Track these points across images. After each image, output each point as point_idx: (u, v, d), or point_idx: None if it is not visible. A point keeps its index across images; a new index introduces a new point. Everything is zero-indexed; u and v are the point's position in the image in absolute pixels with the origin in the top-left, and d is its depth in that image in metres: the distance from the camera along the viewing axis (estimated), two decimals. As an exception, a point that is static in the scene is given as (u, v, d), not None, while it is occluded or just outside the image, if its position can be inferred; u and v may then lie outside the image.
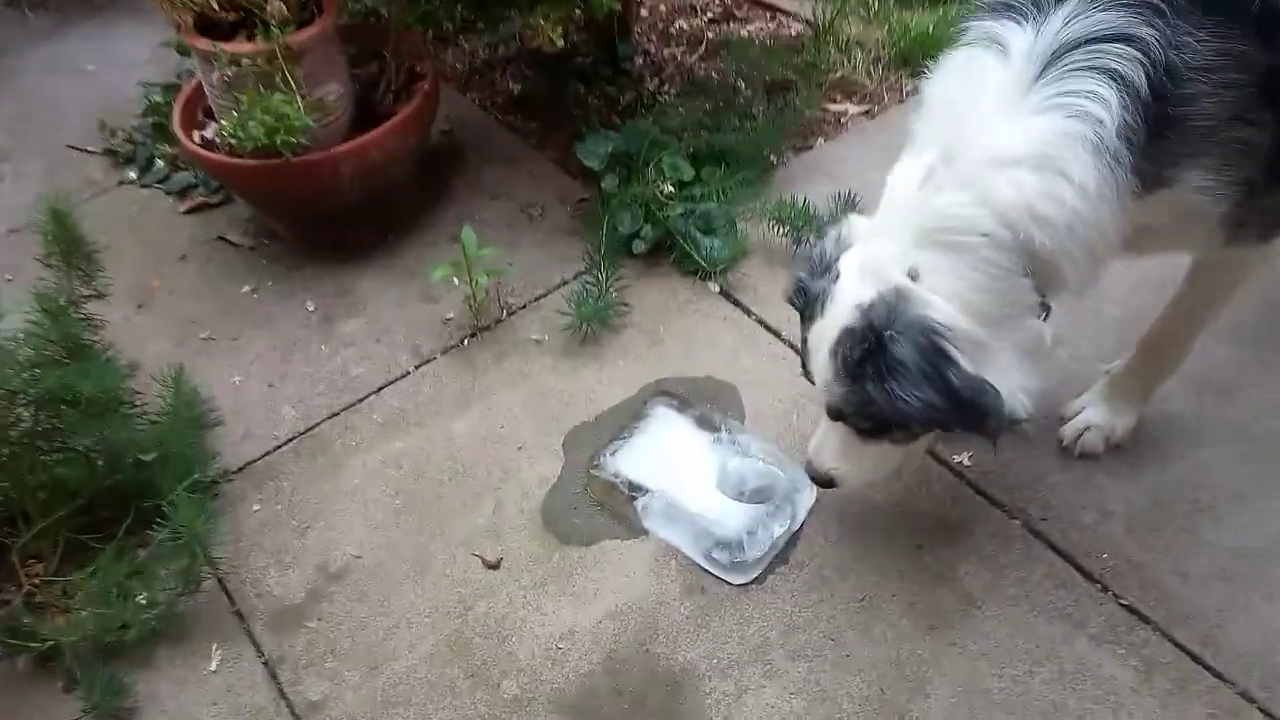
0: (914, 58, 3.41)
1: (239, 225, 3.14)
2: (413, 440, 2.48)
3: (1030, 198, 1.58)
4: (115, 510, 2.26)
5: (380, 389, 2.61)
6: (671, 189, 2.80)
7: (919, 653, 1.99)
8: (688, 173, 2.85)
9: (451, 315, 2.77)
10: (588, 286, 2.70)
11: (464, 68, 3.64)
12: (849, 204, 2.72)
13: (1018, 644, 1.98)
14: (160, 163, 3.36)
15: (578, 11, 2.66)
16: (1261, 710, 1.85)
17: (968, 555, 2.13)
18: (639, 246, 2.79)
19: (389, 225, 3.02)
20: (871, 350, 1.66)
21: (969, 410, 1.67)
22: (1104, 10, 1.57)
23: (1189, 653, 1.94)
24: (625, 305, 2.70)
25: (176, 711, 2.06)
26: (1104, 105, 1.54)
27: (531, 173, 3.20)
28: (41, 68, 3.95)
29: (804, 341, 1.86)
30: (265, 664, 2.10)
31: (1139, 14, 1.55)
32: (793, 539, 2.18)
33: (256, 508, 2.38)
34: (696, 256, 2.73)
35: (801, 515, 2.19)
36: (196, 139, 2.87)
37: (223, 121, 2.66)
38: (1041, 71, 1.58)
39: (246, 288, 2.94)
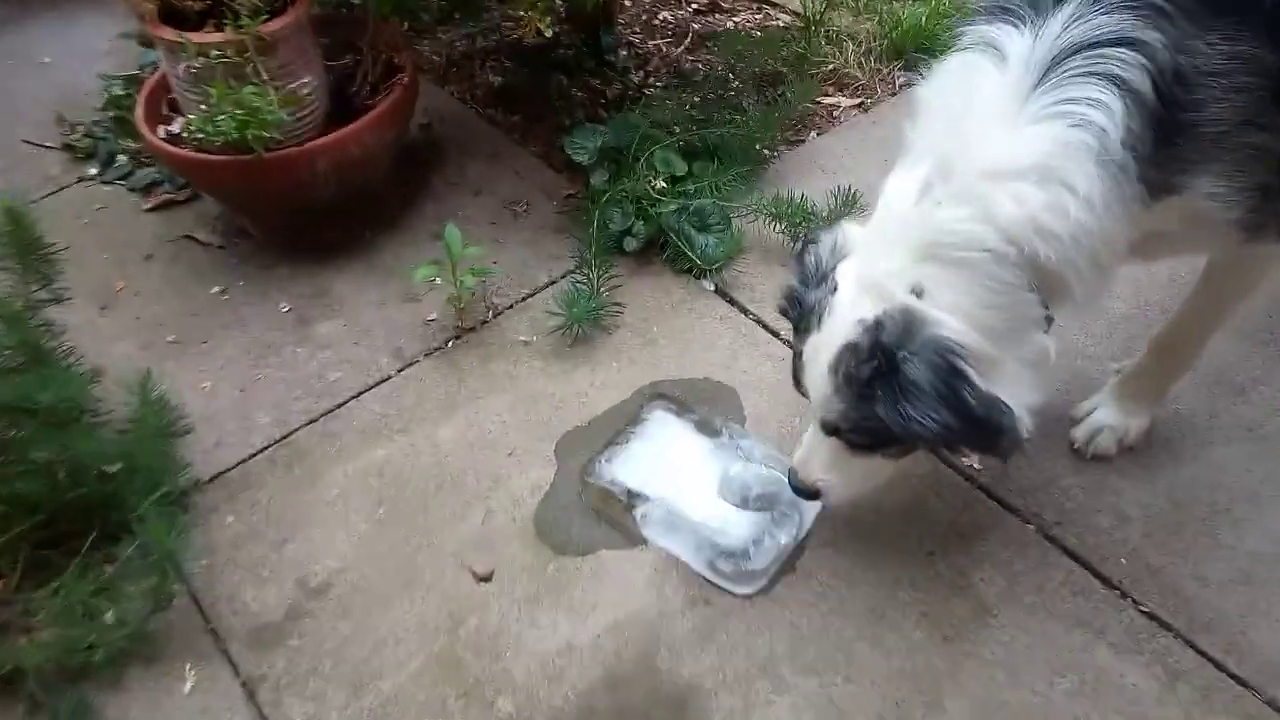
0: (906, 50, 3.37)
1: (207, 223, 3.01)
2: (396, 447, 2.36)
3: (1033, 211, 1.51)
4: (79, 524, 2.13)
5: (360, 394, 2.50)
6: (664, 184, 2.71)
7: (934, 664, 1.91)
8: (680, 168, 2.77)
9: (434, 316, 2.66)
10: (578, 286, 2.60)
11: (441, 60, 3.54)
12: (850, 201, 2.64)
13: (1036, 654, 1.91)
14: (122, 158, 3.23)
15: (559, 1, 2.56)
16: (1289, 719, 1.79)
17: (981, 562, 2.05)
18: (631, 244, 2.69)
19: (366, 223, 2.91)
20: (882, 370, 1.59)
21: (984, 430, 1.61)
22: (1106, 13, 1.49)
23: (1212, 660, 1.88)
24: (618, 305, 2.60)
25: (149, 737, 1.94)
26: (1107, 113, 1.47)
27: (515, 168, 3.10)
28: (-5, 59, 3.79)
29: (797, 354, 1.78)
30: (243, 685, 1.98)
31: (1144, 17, 1.48)
32: (799, 547, 2.09)
33: (231, 520, 2.25)
34: (690, 254, 2.64)
35: (808, 522, 2.10)
36: (162, 134, 2.74)
37: (190, 116, 2.55)
38: (1041, 78, 1.51)
39: (216, 288, 2.81)
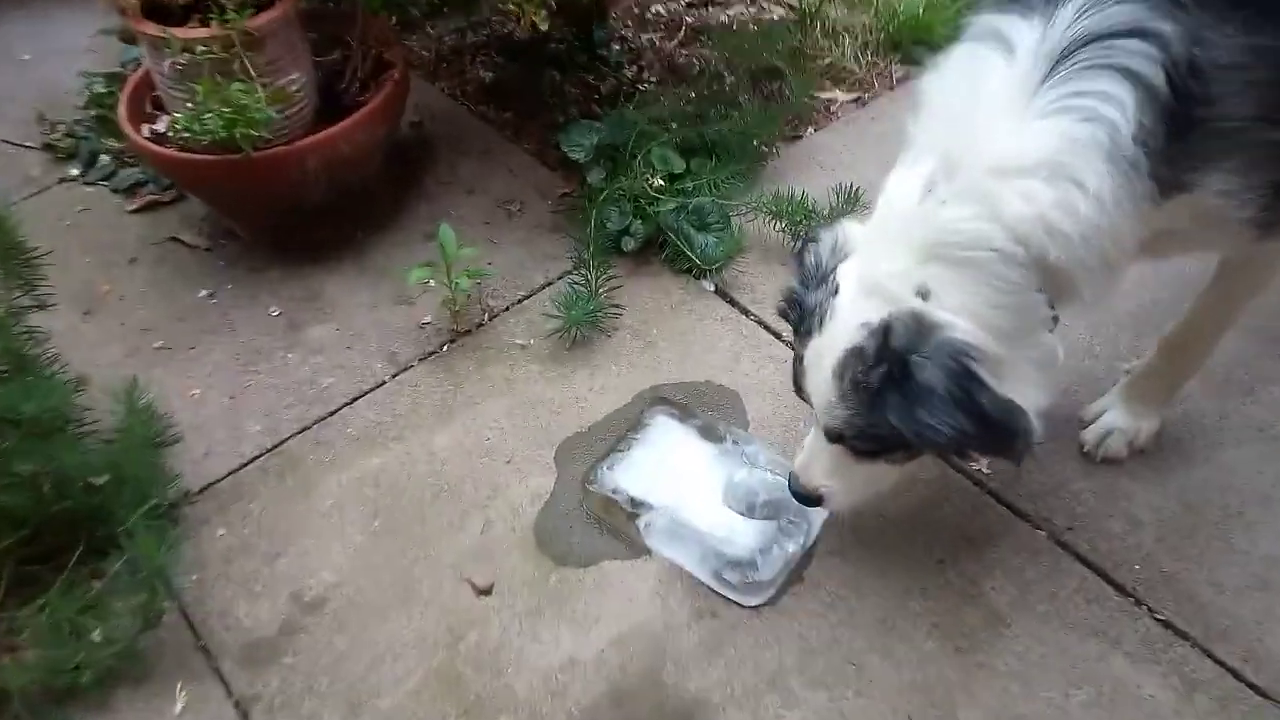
0: (903, 43, 3.31)
1: (193, 224, 2.93)
2: (391, 455, 2.30)
3: (1042, 209, 1.45)
4: (65, 539, 2.06)
5: (354, 400, 2.43)
6: (661, 182, 2.65)
7: (946, 676, 1.87)
8: (678, 165, 2.71)
9: (429, 319, 2.59)
10: (575, 287, 2.54)
11: (431, 55, 3.47)
12: (851, 199, 2.59)
13: (1051, 664, 1.87)
14: (105, 158, 3.15)
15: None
16: (1310, 729, 1.76)
17: (992, 569, 2.01)
18: (629, 244, 2.64)
19: (357, 223, 2.84)
20: (893, 375, 1.54)
21: (999, 433, 1.57)
22: (1119, 2, 1.44)
23: (1230, 669, 1.85)
24: (616, 307, 2.54)
25: (139, 761, 1.88)
26: (1119, 107, 1.42)
27: (508, 166, 3.03)
28: (-28, 57, 3.70)
29: (798, 358, 1.73)
30: (236, 704, 1.92)
31: (1158, 7, 1.43)
32: (806, 556, 2.04)
33: (222, 532, 2.19)
34: (690, 254, 2.58)
35: (816, 530, 2.05)
36: (146, 132, 2.66)
37: (176, 114, 2.47)
38: (1050, 71, 1.45)
39: (203, 292, 2.74)
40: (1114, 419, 2.16)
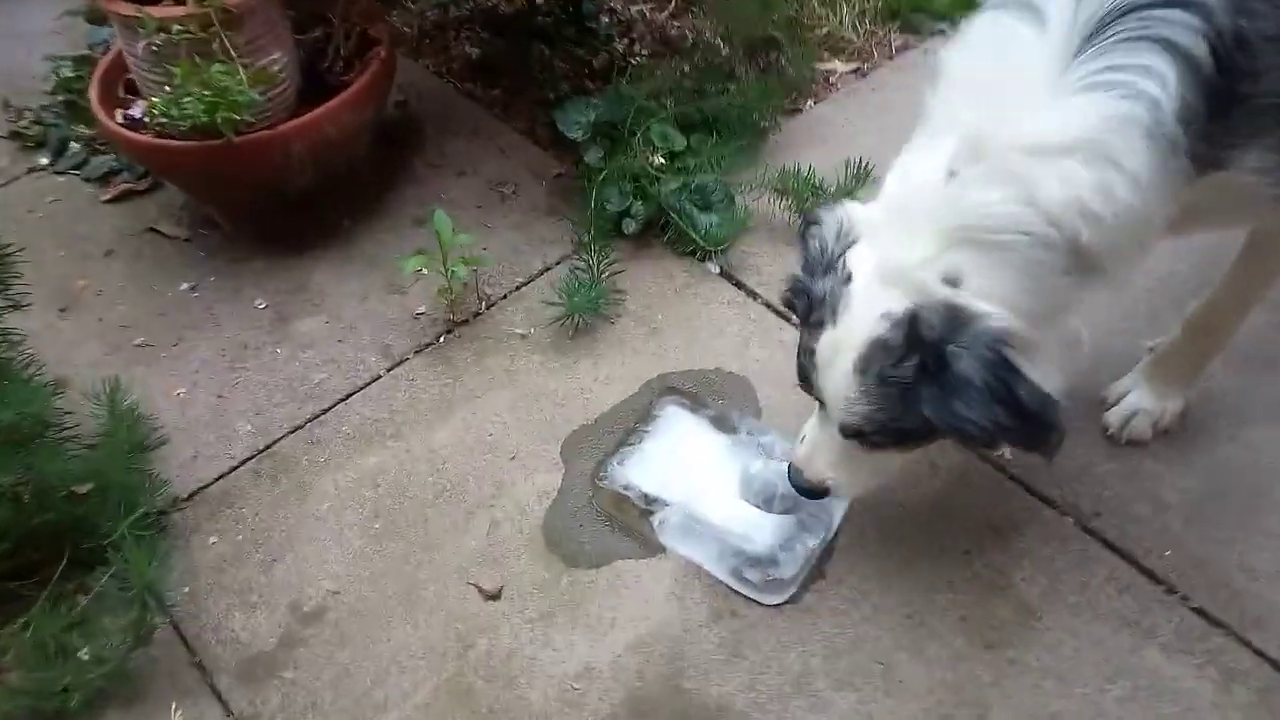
0: (902, 10, 3.22)
1: (172, 214, 2.82)
2: (390, 454, 2.21)
3: (1079, 192, 1.38)
4: (48, 552, 1.97)
5: (348, 396, 2.34)
6: (662, 160, 2.55)
7: (977, 673, 1.81)
8: (679, 142, 2.61)
9: (423, 309, 2.49)
10: (576, 272, 2.44)
11: (413, 31, 3.31)
12: (861, 174, 2.49)
13: (1084, 658, 1.81)
14: (75, 146, 3.03)
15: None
16: (1354, 719, 1.71)
17: (1020, 559, 1.94)
18: (630, 226, 2.54)
19: (344, 209, 2.73)
20: (926, 367, 1.47)
21: (1036, 426, 1.50)
22: None
23: (1269, 659, 1.79)
24: (619, 292, 2.45)
25: (135, 785, 1.80)
26: (1160, 82, 1.34)
27: (499, 145, 2.92)
28: (-69, 41, 3.54)
29: (807, 351, 1.63)
30: (235, 723, 1.85)
31: None
32: (827, 550, 1.97)
33: (214, 540, 2.10)
34: (693, 235, 2.49)
35: (836, 523, 1.98)
36: (119, 118, 2.53)
37: (153, 98, 2.35)
38: (1085, 42, 1.37)
39: (185, 285, 2.63)
40: (1138, 400, 2.09)
